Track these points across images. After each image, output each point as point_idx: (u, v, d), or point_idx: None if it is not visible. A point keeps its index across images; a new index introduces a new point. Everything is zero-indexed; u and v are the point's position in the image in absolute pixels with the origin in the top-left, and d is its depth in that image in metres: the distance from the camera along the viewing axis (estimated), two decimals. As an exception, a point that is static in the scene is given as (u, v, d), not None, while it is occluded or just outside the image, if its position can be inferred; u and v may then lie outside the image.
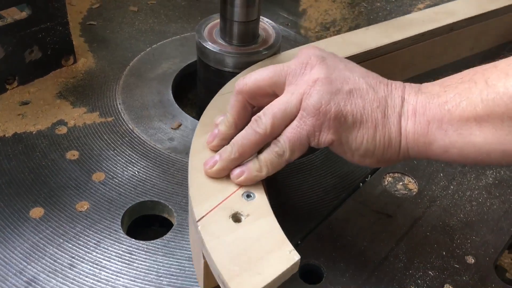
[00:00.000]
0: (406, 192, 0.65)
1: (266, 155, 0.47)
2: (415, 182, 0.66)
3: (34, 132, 0.66)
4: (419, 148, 0.46)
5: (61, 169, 0.61)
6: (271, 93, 0.49)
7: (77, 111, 0.70)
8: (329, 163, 0.67)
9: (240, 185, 0.48)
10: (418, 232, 0.59)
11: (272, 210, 0.47)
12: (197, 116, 0.73)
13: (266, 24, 0.73)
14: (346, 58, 0.61)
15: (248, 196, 0.47)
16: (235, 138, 0.49)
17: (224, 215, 0.45)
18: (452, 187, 0.66)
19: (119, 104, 0.72)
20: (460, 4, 0.83)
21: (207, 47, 0.68)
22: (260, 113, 0.48)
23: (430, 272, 0.55)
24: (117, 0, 0.97)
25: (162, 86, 0.77)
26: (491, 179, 0.68)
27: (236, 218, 0.45)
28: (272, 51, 0.69)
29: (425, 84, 0.48)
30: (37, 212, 0.56)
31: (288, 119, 0.47)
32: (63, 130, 0.67)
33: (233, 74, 0.69)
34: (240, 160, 0.48)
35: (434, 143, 0.45)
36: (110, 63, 0.80)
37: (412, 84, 0.48)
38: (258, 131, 0.47)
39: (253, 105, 0.51)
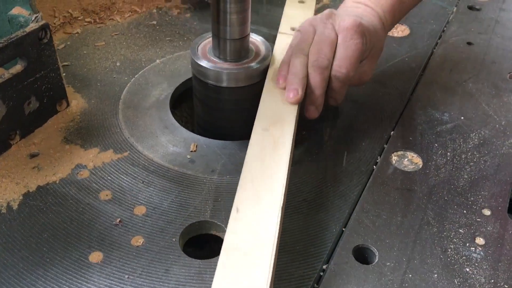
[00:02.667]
0: (414, 166, 0.72)
1: None
2: (418, 156, 0.73)
3: (57, 182, 0.66)
4: None
5: (100, 211, 0.62)
6: None
7: (90, 153, 0.71)
8: (341, 151, 0.73)
9: None
10: (437, 199, 0.67)
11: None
12: (200, 133, 0.76)
13: (253, 38, 0.77)
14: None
15: None
16: None
17: None
18: (448, 153, 0.74)
19: (128, 137, 0.74)
20: None
21: (204, 65, 0.71)
22: None
23: (460, 230, 0.63)
24: (80, 38, 0.97)
25: (162, 113, 0.79)
26: (476, 140, 0.77)
27: None
28: (266, 62, 0.74)
29: None
30: (96, 256, 0.57)
31: None
32: (85, 173, 0.67)
33: (230, 89, 0.73)
34: None
35: None
36: (102, 100, 0.81)
37: None
38: None
39: None
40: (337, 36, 0.69)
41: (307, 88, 0.68)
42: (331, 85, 0.70)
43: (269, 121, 0.65)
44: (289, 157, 0.60)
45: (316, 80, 0.68)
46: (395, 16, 0.78)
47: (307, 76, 0.68)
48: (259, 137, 0.63)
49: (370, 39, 0.70)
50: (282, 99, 0.68)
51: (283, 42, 0.78)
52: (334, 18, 0.71)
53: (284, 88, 0.68)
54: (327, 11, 0.73)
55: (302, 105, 0.70)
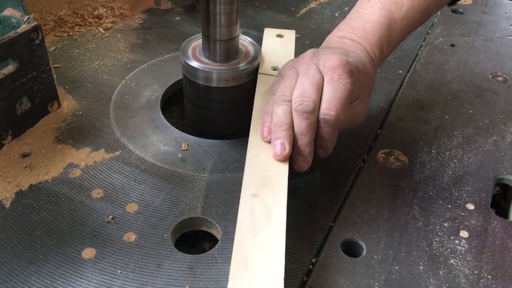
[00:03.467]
0: (400, 163, 0.74)
1: None
2: (403, 153, 0.75)
3: (49, 181, 0.67)
4: None
5: (93, 209, 0.63)
6: None
7: (82, 152, 0.71)
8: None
9: None
10: (423, 194, 0.68)
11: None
12: (190, 133, 0.77)
13: (242, 39, 0.79)
14: None
15: None
16: None
17: None
18: (433, 151, 0.76)
19: (120, 137, 0.75)
20: None
21: (195, 66, 0.73)
22: None
23: (445, 224, 0.64)
24: (71, 40, 0.97)
25: (153, 113, 0.80)
26: (460, 138, 0.79)
27: None
28: (256, 62, 0.75)
29: None
30: (89, 252, 0.58)
31: None
32: (77, 172, 0.68)
33: (219, 89, 0.74)
34: None
35: None
36: (93, 101, 0.82)
37: None
38: None
39: None
40: (322, 77, 0.62)
41: (293, 137, 0.61)
42: (320, 132, 0.62)
43: (258, 184, 0.58)
44: (285, 229, 0.53)
45: (302, 127, 0.60)
46: (383, 50, 0.71)
47: (293, 125, 0.61)
48: (249, 206, 0.55)
49: (360, 77, 0.64)
50: (269, 154, 0.61)
51: (264, 85, 0.73)
52: (318, 57, 0.64)
53: (270, 142, 0.62)
54: (309, 51, 0.66)
55: (290, 156, 0.62)
